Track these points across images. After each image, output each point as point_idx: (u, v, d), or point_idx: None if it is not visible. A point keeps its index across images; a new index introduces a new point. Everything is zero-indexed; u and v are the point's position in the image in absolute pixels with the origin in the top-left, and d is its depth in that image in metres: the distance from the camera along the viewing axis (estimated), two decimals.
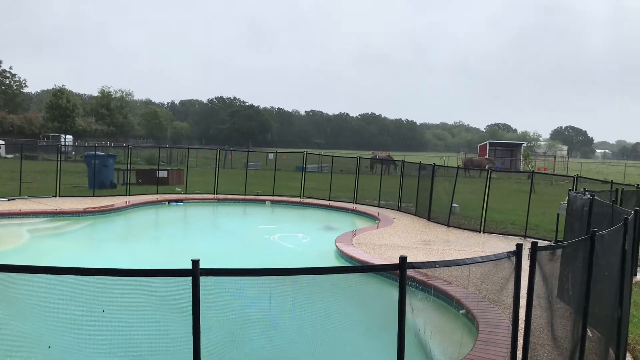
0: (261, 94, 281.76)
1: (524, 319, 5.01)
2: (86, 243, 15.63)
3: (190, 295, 3.60)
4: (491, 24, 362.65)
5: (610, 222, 7.88)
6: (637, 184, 14.18)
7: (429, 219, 19.21)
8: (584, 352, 5.91)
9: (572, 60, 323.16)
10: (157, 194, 23.96)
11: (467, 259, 4.54)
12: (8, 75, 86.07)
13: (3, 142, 52.20)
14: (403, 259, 3.97)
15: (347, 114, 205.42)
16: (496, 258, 4.68)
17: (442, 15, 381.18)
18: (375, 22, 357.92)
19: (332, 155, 29.64)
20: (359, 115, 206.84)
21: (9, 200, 19.51)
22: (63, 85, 76.67)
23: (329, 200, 24.29)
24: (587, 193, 9.88)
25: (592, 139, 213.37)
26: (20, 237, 14.52)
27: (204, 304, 3.65)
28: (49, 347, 5.64)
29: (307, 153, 30.10)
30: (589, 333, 6.22)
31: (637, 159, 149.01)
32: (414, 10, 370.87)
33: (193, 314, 3.61)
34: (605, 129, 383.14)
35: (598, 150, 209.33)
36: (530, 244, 4.93)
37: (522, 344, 5.05)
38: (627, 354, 7.40)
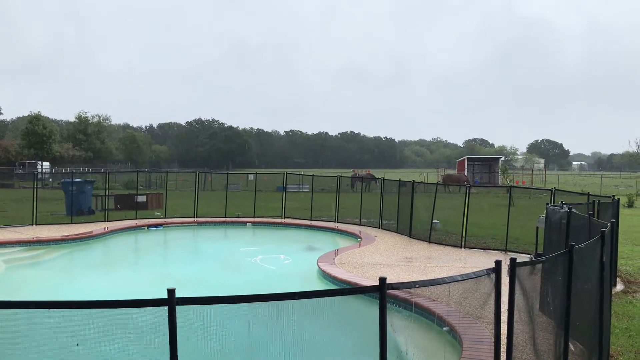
0: (240, 115, 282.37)
1: (506, 334, 5.01)
2: (64, 272, 15.36)
3: (167, 324, 3.54)
4: (468, 41, 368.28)
5: (588, 233, 7.96)
6: (613, 195, 14.38)
7: (410, 235, 19.23)
8: None
9: (546, 74, 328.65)
10: (136, 219, 23.70)
11: (446, 277, 4.53)
12: None
13: None
14: (382, 280, 3.95)
15: (327, 133, 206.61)
16: (475, 276, 4.69)
17: (420, 32, 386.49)
18: (353, 42, 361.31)
19: (313, 175, 29.63)
20: (339, 134, 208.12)
21: None
22: (39, 111, 75.85)
23: (311, 219, 24.23)
24: (564, 206, 9.99)
25: (568, 152, 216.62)
26: None
27: (181, 332, 3.59)
28: None
29: (287, 173, 30.07)
30: (571, 346, 6.24)
31: (613, 170, 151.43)
32: (392, 29, 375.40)
33: (170, 343, 3.55)
34: (581, 141, 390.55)
35: (574, 163, 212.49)
36: (509, 260, 4.95)
37: (504, 359, 5.04)
38: None
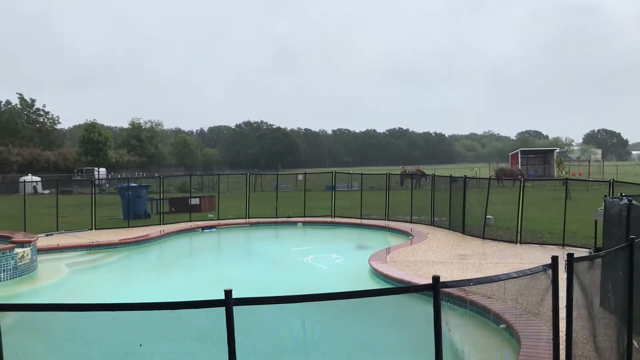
0: (288, 116, 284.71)
1: (564, 331, 4.90)
2: (123, 274, 15.84)
3: (225, 325, 3.62)
4: (517, 31, 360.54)
5: None
6: None
7: (463, 232, 18.96)
8: None
9: (600, 62, 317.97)
10: (190, 221, 24.22)
11: (502, 275, 4.47)
12: (42, 113, 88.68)
13: (39, 179, 53.50)
14: (436, 278, 3.93)
15: (374, 130, 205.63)
16: (531, 272, 4.60)
17: (467, 24, 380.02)
18: (399, 37, 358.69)
19: (361, 173, 29.57)
20: (386, 130, 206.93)
21: (47, 235, 19.93)
22: (94, 119, 78.47)
23: (361, 218, 24.21)
24: (624, 198, 9.66)
25: (626, 141, 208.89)
26: (59, 272, 14.79)
27: (238, 332, 3.66)
28: None
29: (335, 172, 30.13)
30: (635, 343, 6.04)
31: None
32: (439, 22, 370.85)
33: (228, 344, 3.63)
34: None
35: (634, 152, 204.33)
36: (566, 255, 4.84)
37: (564, 356, 4.93)
38: None
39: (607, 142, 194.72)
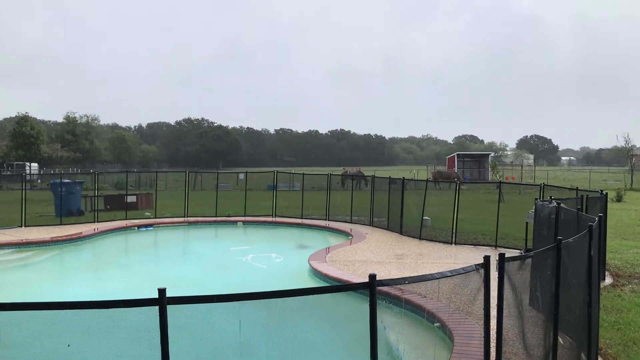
0: (229, 114, 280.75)
1: (495, 329, 5.06)
2: (54, 274, 15.28)
3: (158, 324, 3.55)
4: (458, 39, 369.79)
5: (576, 228, 8.03)
6: (602, 190, 14.50)
7: (401, 232, 19.30)
8: (556, 358, 5.97)
9: (535, 71, 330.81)
10: (126, 219, 23.60)
11: (436, 273, 4.56)
12: None
13: None
14: (372, 277, 3.97)
15: (317, 131, 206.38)
16: (465, 272, 4.73)
17: (411, 31, 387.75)
18: (344, 40, 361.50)
19: (303, 173, 29.64)
20: (329, 131, 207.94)
21: None
22: (27, 112, 75.21)
23: (301, 218, 24.25)
24: (553, 201, 10.07)
25: (557, 147, 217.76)
26: None
27: (172, 331, 3.59)
28: None
29: (277, 172, 30.06)
30: (561, 340, 6.29)
31: (601, 165, 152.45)
32: (384, 27, 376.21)
33: (162, 342, 3.56)
34: (570, 137, 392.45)
35: (563, 158, 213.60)
36: (498, 255, 4.99)
37: (494, 353, 5.08)
38: (599, 359, 7.50)
39: (538, 147, 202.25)
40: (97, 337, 4.16)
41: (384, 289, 6.67)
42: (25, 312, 3.53)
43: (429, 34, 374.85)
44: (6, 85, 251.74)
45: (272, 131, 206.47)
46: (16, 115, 76.64)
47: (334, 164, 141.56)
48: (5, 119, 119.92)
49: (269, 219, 24.53)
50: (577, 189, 15.48)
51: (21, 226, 21.06)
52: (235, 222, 23.87)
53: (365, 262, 13.99)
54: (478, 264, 4.87)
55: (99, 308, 3.54)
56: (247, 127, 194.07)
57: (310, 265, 13.54)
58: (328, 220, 23.53)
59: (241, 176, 38.84)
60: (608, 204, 14.14)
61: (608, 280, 12.34)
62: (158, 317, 3.53)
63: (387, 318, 6.66)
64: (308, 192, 27.40)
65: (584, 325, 6.73)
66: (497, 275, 4.95)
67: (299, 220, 23.74)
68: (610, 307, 10.00)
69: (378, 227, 21.13)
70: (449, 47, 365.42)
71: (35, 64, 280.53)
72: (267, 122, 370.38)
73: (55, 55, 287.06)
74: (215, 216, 24.79)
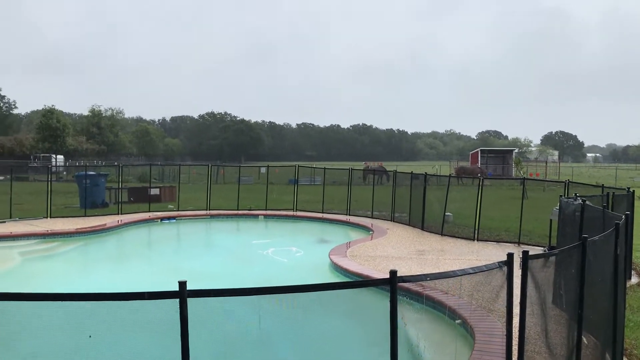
0: (252, 109, 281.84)
1: (518, 327, 4.99)
2: (78, 264, 15.50)
3: (179, 316, 3.56)
4: (485, 31, 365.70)
5: (602, 226, 7.89)
6: (628, 188, 14.23)
7: (422, 228, 19.19)
8: (580, 358, 5.88)
9: (561, 66, 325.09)
10: (149, 211, 23.84)
11: (458, 270, 4.51)
12: None
13: None
14: (393, 272, 3.94)
15: (339, 125, 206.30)
16: (487, 269, 4.66)
17: (436, 24, 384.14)
18: (367, 33, 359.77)
19: (324, 168, 29.60)
20: (351, 126, 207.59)
21: None
22: (53, 105, 76.40)
23: (322, 212, 24.25)
24: (578, 198, 9.91)
25: (582, 143, 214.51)
26: (11, 260, 14.39)
27: (192, 325, 3.60)
28: None
29: (299, 166, 30.08)
30: (585, 339, 6.19)
31: (628, 162, 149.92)
32: (409, 21, 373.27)
33: (181, 335, 3.57)
34: (596, 133, 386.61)
35: (589, 155, 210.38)
36: (522, 253, 4.92)
37: (517, 352, 5.01)
38: (624, 359, 7.37)
39: (563, 144, 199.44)
40: (118, 329, 4.19)
41: (405, 285, 6.63)
42: (47, 303, 3.56)
43: (454, 28, 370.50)
44: (33, 79, 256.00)
45: (293, 125, 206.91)
46: (43, 108, 77.95)
47: (356, 158, 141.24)
48: (32, 112, 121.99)
49: (290, 213, 24.56)
50: (602, 186, 15.21)
51: (47, 217, 21.39)
52: (257, 215, 23.96)
53: (386, 258, 13.93)
54: (501, 262, 4.80)
55: (121, 300, 3.57)
56: (269, 121, 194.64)
57: (330, 259, 13.52)
58: (349, 215, 23.50)
59: (263, 170, 39.02)
60: (635, 202, 13.87)
61: (634, 279, 12.13)
62: (178, 310, 3.54)
63: (408, 314, 6.63)
64: (329, 187, 27.38)
65: (609, 324, 6.61)
66: (520, 273, 4.88)
67: (319, 215, 23.74)
68: (637, 307, 9.82)
69: (399, 223, 21.03)
70: (475, 40, 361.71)
71: (61, 58, 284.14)
72: (289, 116, 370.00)
73: (82, 48, 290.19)
74: (237, 209, 24.91)
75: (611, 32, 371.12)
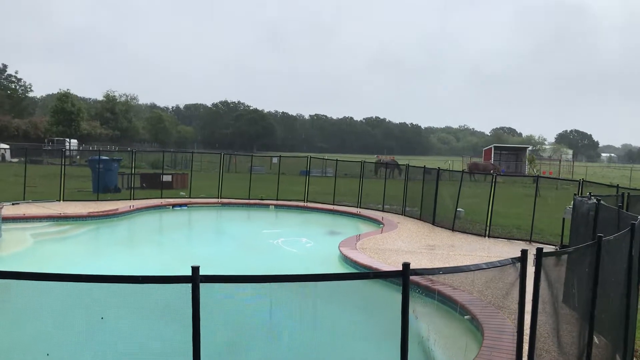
0: (265, 98, 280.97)
1: (529, 324, 4.95)
2: (89, 247, 15.62)
3: (191, 301, 3.57)
4: (501, 28, 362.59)
5: (616, 227, 7.80)
6: None
7: (433, 223, 19.12)
8: (590, 358, 5.84)
9: (578, 64, 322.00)
10: (161, 198, 23.95)
11: (471, 265, 4.48)
12: (13, 79, 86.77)
13: (8, 147, 52.35)
14: (406, 265, 3.92)
15: (352, 118, 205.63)
16: (500, 264, 4.63)
17: (455, 18, 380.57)
18: (383, 27, 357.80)
19: (336, 160, 29.54)
20: (364, 119, 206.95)
21: (13, 204, 19.51)
22: (68, 89, 76.82)
23: (333, 204, 24.24)
24: (592, 197, 9.81)
25: (597, 143, 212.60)
26: (24, 242, 14.51)
27: (204, 310, 3.61)
28: (47, 354, 5.61)
29: (310, 157, 30.06)
30: (596, 339, 6.15)
31: None
32: (426, 14, 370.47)
33: (193, 320, 3.58)
34: (611, 133, 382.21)
35: (603, 154, 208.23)
36: (535, 250, 4.88)
37: (527, 350, 4.98)
38: None
39: (578, 142, 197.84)
40: (129, 311, 4.21)
41: (415, 278, 6.61)
42: (58, 283, 3.57)
43: (471, 23, 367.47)
44: (49, 63, 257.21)
45: (306, 116, 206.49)
46: (58, 92, 78.41)
47: (368, 151, 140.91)
48: (47, 95, 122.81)
49: (301, 203, 24.57)
50: (617, 186, 15.07)
51: (60, 200, 21.55)
52: (268, 205, 24.01)
53: (396, 251, 13.90)
54: (515, 258, 4.76)
55: (134, 283, 3.57)
56: (282, 112, 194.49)
57: (340, 251, 13.52)
58: (360, 207, 23.46)
59: (275, 160, 39.03)
60: None
61: None
62: (190, 295, 3.54)
63: (419, 308, 6.61)
64: (341, 179, 27.33)
65: (620, 325, 6.56)
66: (533, 270, 4.84)
67: (330, 207, 23.73)
68: None
69: (410, 217, 20.97)
70: (491, 36, 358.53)
71: (77, 42, 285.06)
72: (302, 107, 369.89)
73: (98, 34, 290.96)
74: (248, 198, 24.96)
75: (630, 31, 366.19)
